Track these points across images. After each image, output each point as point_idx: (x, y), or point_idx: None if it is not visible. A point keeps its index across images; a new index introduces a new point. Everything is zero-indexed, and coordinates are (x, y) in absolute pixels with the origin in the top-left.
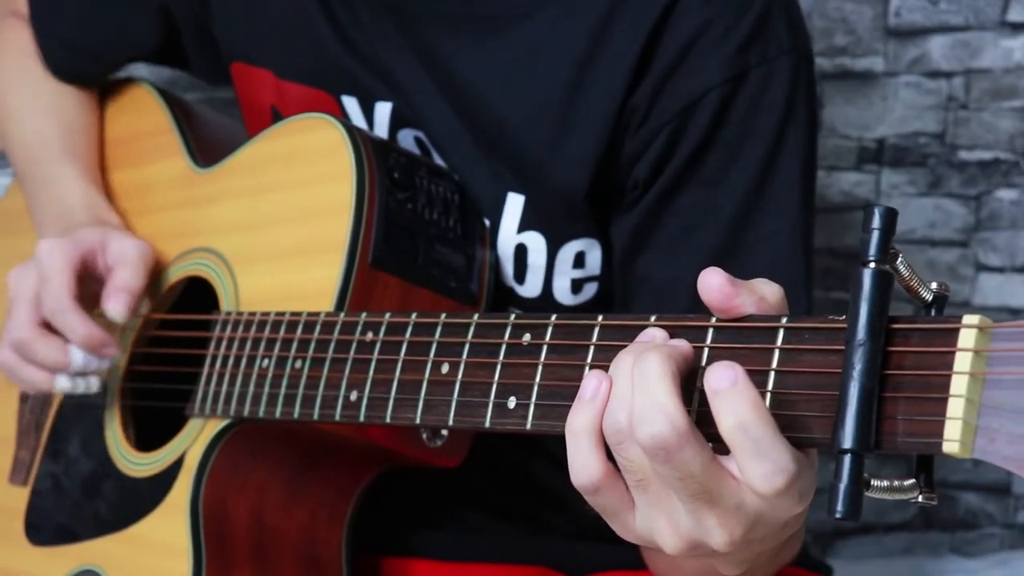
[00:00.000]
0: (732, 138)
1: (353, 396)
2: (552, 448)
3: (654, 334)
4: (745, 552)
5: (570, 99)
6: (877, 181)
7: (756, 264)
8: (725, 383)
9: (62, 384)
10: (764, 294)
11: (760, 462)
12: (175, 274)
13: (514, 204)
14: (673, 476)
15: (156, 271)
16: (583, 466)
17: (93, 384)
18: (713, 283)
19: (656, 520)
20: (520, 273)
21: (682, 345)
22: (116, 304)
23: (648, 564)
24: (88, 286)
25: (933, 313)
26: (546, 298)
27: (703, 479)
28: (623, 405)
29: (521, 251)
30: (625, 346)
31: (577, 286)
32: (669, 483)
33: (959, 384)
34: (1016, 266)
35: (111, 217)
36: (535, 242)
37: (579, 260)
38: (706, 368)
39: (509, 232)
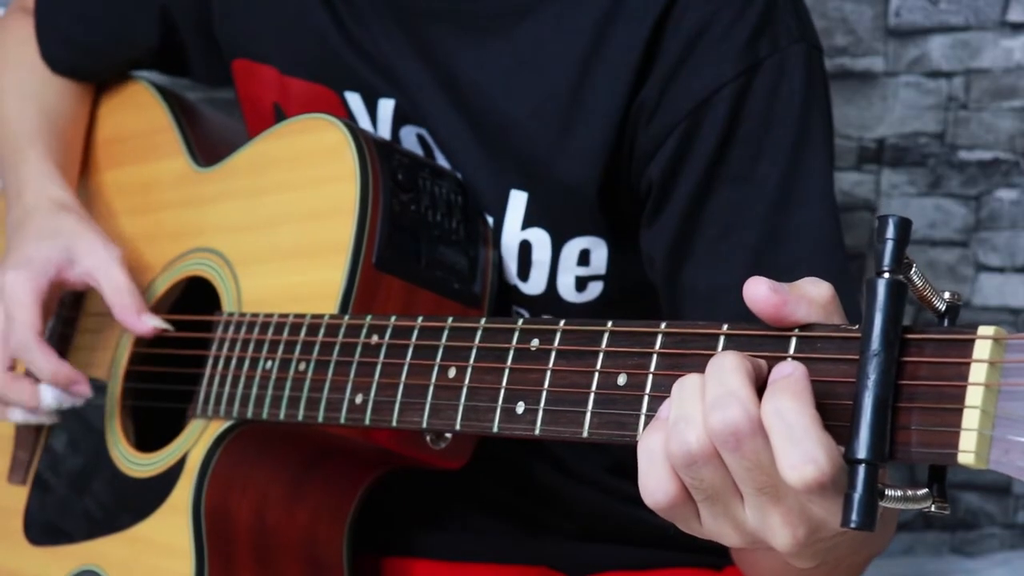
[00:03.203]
0: (753, 132)
1: (358, 399)
2: (553, 449)
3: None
4: (815, 548)
5: (574, 95)
6: (877, 181)
7: (798, 255)
8: (778, 375)
9: (15, 416)
10: (812, 296)
11: (791, 448)
12: (176, 274)
13: (517, 201)
14: (742, 467)
15: (157, 271)
16: (658, 486)
17: (49, 418)
18: (759, 293)
19: (722, 525)
20: (524, 270)
21: (760, 361)
22: (148, 323)
23: (732, 554)
24: (57, 296)
25: (946, 323)
26: (550, 295)
27: (771, 471)
28: (692, 427)
29: (525, 248)
30: (636, 352)
31: (582, 284)
32: (737, 475)
33: (974, 395)
34: (1016, 266)
35: (60, 193)
36: (539, 238)
37: (584, 258)
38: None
39: (513, 229)
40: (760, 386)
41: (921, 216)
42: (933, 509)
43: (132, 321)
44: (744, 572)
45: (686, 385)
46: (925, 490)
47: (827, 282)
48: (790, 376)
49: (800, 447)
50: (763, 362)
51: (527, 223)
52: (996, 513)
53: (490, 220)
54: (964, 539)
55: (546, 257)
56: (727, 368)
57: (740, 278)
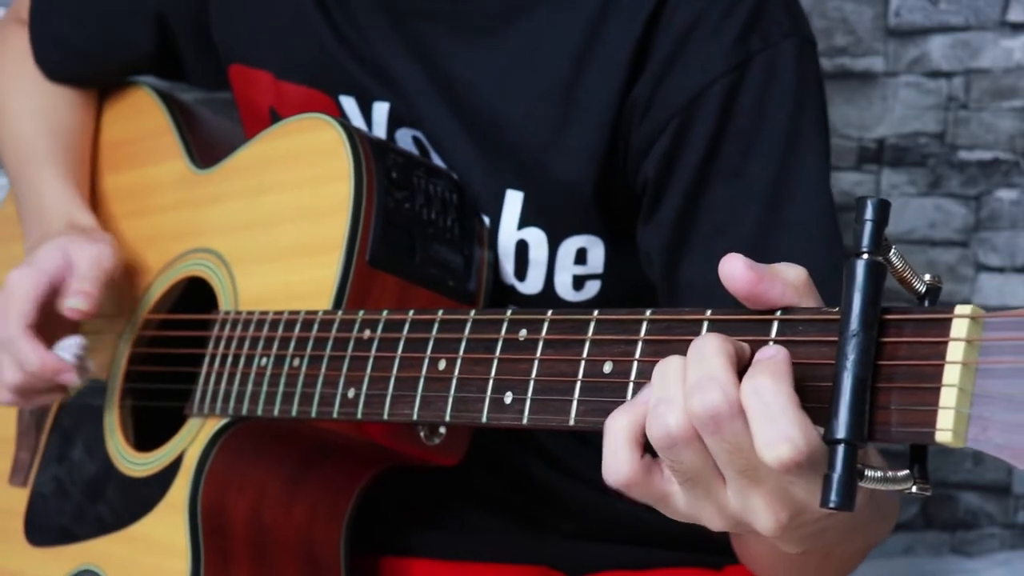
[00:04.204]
0: (746, 127)
1: (351, 393)
2: (550, 447)
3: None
4: (799, 532)
5: (568, 94)
6: (877, 181)
7: (792, 250)
8: (761, 357)
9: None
10: (787, 277)
11: (767, 426)
12: (175, 275)
13: (513, 201)
14: (723, 449)
15: (157, 272)
16: (616, 464)
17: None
18: (734, 269)
19: (703, 509)
20: (521, 270)
21: (742, 343)
22: (72, 300)
23: (731, 539)
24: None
25: (926, 304)
26: (547, 294)
27: (751, 454)
28: (672, 409)
29: (522, 247)
30: (622, 340)
31: (579, 283)
32: (718, 457)
33: (952, 374)
34: (1016, 266)
35: (83, 218)
36: (535, 237)
37: (580, 256)
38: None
39: (509, 229)
40: (743, 369)
41: (921, 216)
42: (914, 490)
43: (71, 298)
44: (740, 558)
45: (668, 367)
46: (906, 471)
47: (800, 267)
48: (772, 358)
49: (776, 426)
50: (746, 346)
51: (523, 223)
52: (996, 513)
53: (486, 220)
54: (964, 539)
55: (543, 256)
56: (708, 351)
57: None
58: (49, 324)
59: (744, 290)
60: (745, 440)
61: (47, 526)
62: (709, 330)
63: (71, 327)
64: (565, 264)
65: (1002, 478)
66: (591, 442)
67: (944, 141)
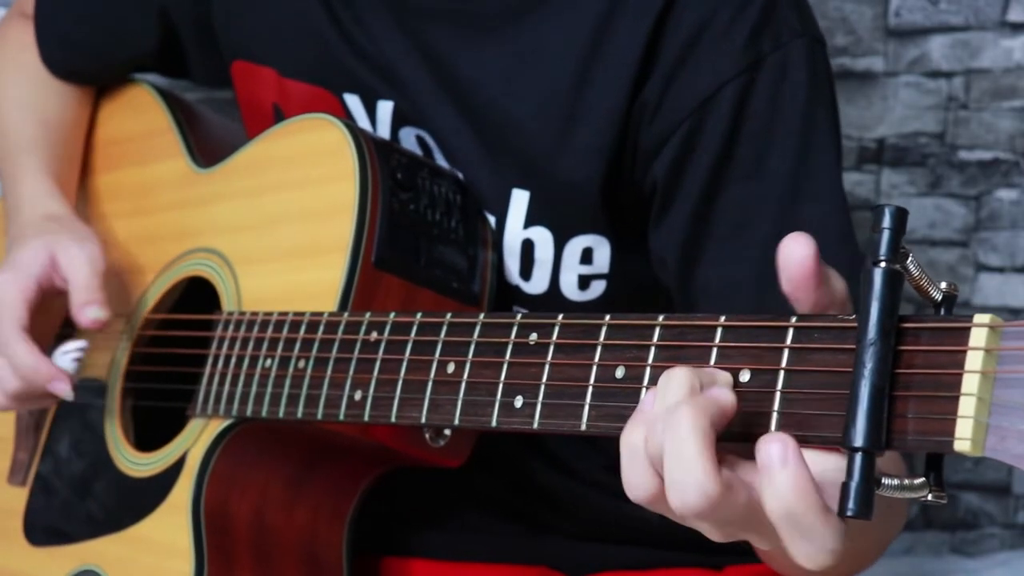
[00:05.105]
0: (760, 128)
1: (357, 396)
2: (552, 448)
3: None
4: None
5: (576, 94)
6: (877, 181)
7: None
8: (776, 461)
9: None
10: (836, 288)
11: (806, 544)
12: (176, 274)
13: (519, 200)
14: (735, 515)
15: (157, 271)
16: (638, 482)
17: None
18: (796, 254)
19: (736, 536)
20: (527, 269)
21: (723, 398)
22: (89, 314)
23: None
24: (52, 306)
25: (942, 312)
26: (553, 294)
27: (745, 521)
28: (682, 491)
29: (528, 246)
30: (633, 345)
31: (584, 282)
32: (739, 516)
33: (970, 383)
34: (1016, 266)
35: (57, 208)
36: (541, 236)
37: (586, 256)
38: (758, 439)
39: (515, 228)
40: (727, 419)
41: (921, 216)
42: (930, 498)
43: (76, 314)
44: (756, 551)
45: (672, 377)
46: (922, 479)
47: (844, 280)
48: (787, 464)
49: (815, 543)
50: (728, 397)
51: (529, 222)
52: (996, 513)
53: (492, 219)
54: (964, 539)
55: (548, 256)
56: (682, 431)
57: (752, 274)
58: (35, 327)
59: (798, 275)
60: (735, 515)
61: (47, 526)
62: (723, 336)
63: (54, 329)
64: (571, 264)
65: (1002, 478)
66: (594, 444)
67: (944, 141)
